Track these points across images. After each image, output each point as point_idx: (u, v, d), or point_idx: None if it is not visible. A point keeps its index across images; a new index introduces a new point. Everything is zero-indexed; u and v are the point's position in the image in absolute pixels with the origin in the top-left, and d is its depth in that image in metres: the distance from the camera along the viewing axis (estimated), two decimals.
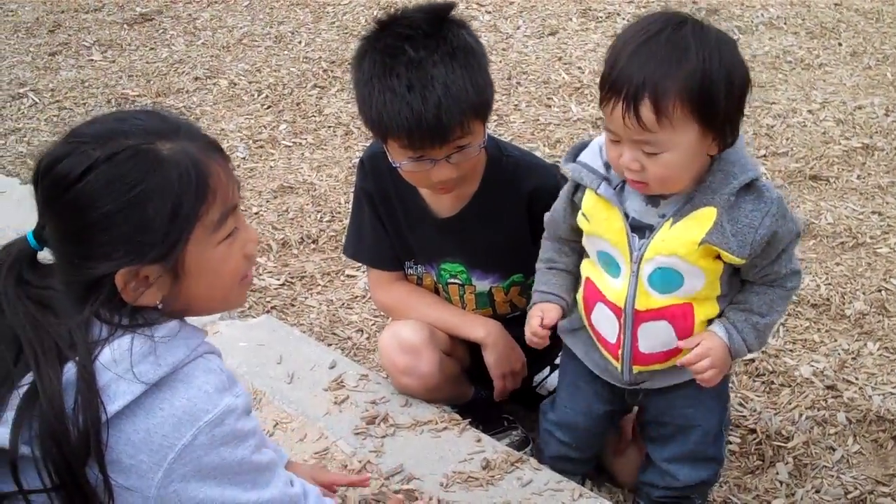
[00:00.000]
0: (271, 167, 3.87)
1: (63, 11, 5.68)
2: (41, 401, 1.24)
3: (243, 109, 4.40)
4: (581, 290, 1.93)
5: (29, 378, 1.26)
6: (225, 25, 5.40)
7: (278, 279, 3.12)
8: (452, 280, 2.24)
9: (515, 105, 4.30)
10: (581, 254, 1.95)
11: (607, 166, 1.78)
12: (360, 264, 2.82)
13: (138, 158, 1.29)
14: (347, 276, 3.14)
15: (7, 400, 1.26)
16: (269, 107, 4.42)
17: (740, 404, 2.48)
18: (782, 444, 2.35)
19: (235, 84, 4.65)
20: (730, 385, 2.31)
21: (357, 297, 3.03)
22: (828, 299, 2.90)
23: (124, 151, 1.28)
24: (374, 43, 1.94)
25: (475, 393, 2.35)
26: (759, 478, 2.28)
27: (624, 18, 5.13)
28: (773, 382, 2.57)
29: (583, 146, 1.84)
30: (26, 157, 4.00)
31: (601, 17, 5.21)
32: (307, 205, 3.55)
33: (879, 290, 2.94)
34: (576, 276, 1.96)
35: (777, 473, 2.28)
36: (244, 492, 1.34)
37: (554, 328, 1.96)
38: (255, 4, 5.68)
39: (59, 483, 1.24)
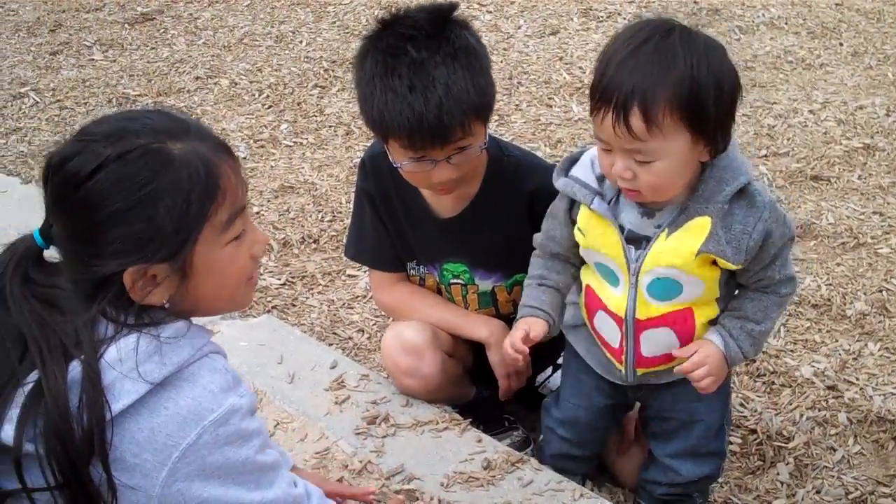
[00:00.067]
0: (272, 167, 3.88)
1: (64, 11, 5.68)
2: (46, 399, 1.24)
3: (244, 109, 4.41)
4: (582, 296, 1.93)
5: (34, 376, 1.26)
6: (226, 25, 5.40)
7: (279, 279, 3.12)
8: (455, 280, 2.24)
9: (516, 105, 4.30)
10: (572, 272, 1.95)
11: (600, 179, 1.77)
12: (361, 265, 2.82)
13: (149, 157, 1.29)
14: (348, 275, 3.14)
15: (12, 398, 1.26)
16: (270, 106, 4.42)
17: (741, 404, 2.48)
18: (783, 445, 2.35)
19: (236, 84, 4.66)
20: (731, 385, 2.32)
21: (358, 296, 3.03)
22: (829, 300, 2.90)
23: (135, 150, 1.29)
24: (375, 43, 1.94)
25: (476, 393, 2.35)
26: (760, 478, 2.28)
27: (625, 18, 5.13)
28: (773, 383, 2.57)
29: (574, 160, 1.84)
30: (27, 157, 4.01)
31: (602, 17, 5.21)
32: (308, 204, 3.55)
33: (880, 291, 2.94)
34: (565, 295, 1.96)
35: (778, 474, 2.28)
36: (248, 492, 1.34)
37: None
38: (256, 4, 5.68)
39: (63, 481, 1.25)
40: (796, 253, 3.13)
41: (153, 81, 4.70)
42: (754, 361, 2.63)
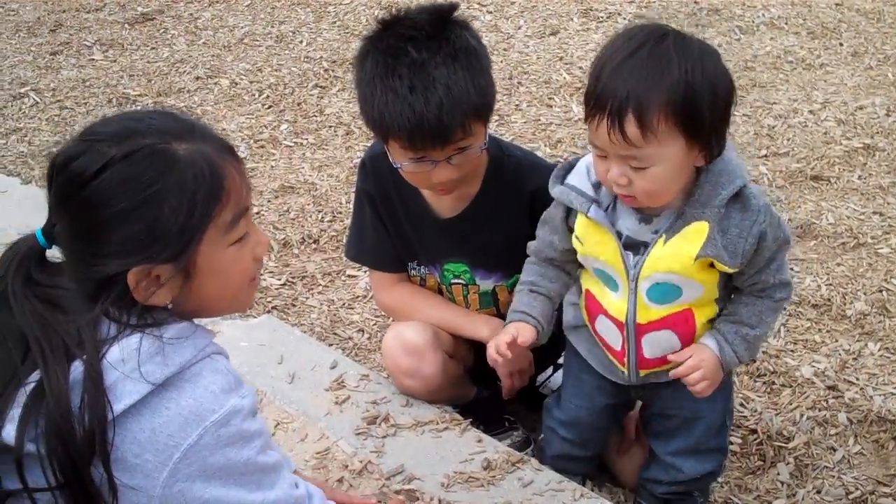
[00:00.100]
0: (272, 167, 3.88)
1: (64, 11, 5.68)
2: (48, 399, 1.24)
3: (244, 109, 4.41)
4: (582, 299, 1.93)
5: (36, 376, 1.26)
6: (226, 25, 5.40)
7: (279, 279, 3.12)
8: (456, 280, 2.24)
9: (517, 105, 4.30)
10: (564, 280, 1.95)
11: (596, 187, 1.77)
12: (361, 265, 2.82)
13: (154, 157, 1.29)
14: (348, 276, 3.14)
15: (14, 397, 1.26)
16: (270, 106, 4.42)
17: (741, 405, 2.48)
18: (783, 445, 2.35)
19: (236, 84, 4.66)
20: (733, 381, 2.31)
21: (358, 297, 3.03)
22: (829, 300, 2.90)
23: (141, 150, 1.29)
24: (376, 43, 1.94)
25: (477, 393, 2.35)
26: (760, 478, 2.28)
27: (625, 18, 5.13)
28: (774, 383, 2.57)
29: (569, 167, 1.84)
30: (27, 157, 4.01)
31: (602, 17, 5.21)
32: (308, 205, 3.55)
33: (880, 291, 2.95)
34: (555, 304, 1.95)
35: (778, 474, 2.28)
36: (249, 493, 1.34)
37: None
38: (256, 4, 5.69)
39: (64, 482, 1.25)
40: (796, 253, 3.13)
41: (153, 81, 4.70)
42: (754, 362, 2.63)
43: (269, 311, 2.92)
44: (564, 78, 4.52)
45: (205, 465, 1.29)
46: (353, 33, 5.10)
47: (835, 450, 2.35)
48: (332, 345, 2.75)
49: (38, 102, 4.53)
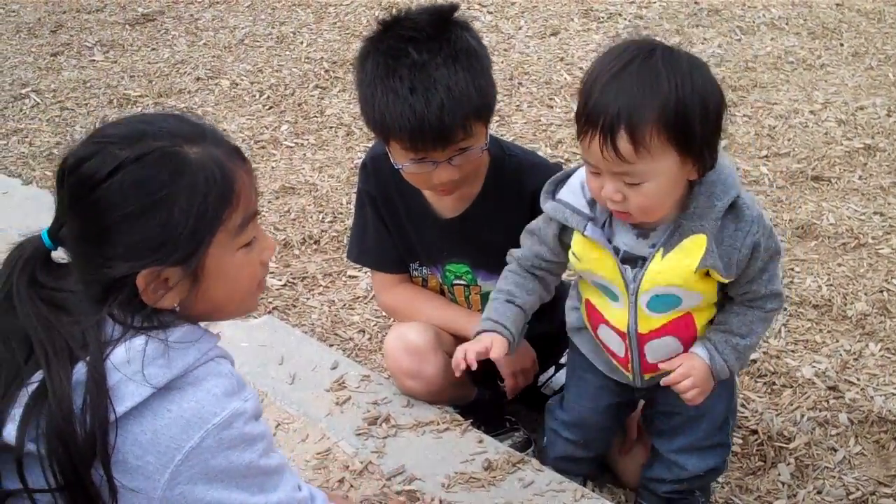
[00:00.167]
0: (273, 168, 3.88)
1: (65, 12, 5.69)
2: (50, 400, 1.23)
3: (245, 110, 4.41)
4: (583, 307, 1.94)
5: (38, 376, 1.26)
6: (227, 26, 5.41)
7: (280, 280, 3.13)
8: (458, 281, 2.24)
9: (517, 105, 4.30)
10: (540, 293, 1.95)
11: (591, 204, 1.77)
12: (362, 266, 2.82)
13: (166, 160, 1.29)
14: (349, 276, 3.14)
15: (16, 397, 1.26)
16: (270, 107, 4.42)
17: (742, 405, 2.48)
18: (784, 445, 2.35)
19: (237, 84, 4.66)
20: (736, 378, 2.31)
21: (359, 297, 3.03)
22: (829, 300, 2.90)
23: (152, 153, 1.28)
24: (376, 44, 1.94)
25: (478, 394, 2.35)
26: (761, 479, 2.28)
27: (625, 19, 5.14)
28: (774, 383, 2.57)
29: (559, 181, 1.83)
30: (28, 158, 4.01)
31: (603, 18, 5.22)
32: (309, 205, 3.56)
33: (881, 291, 2.95)
34: (528, 316, 1.95)
35: (779, 474, 2.28)
36: (251, 496, 1.34)
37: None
38: (256, 5, 5.69)
39: (64, 483, 1.24)
40: (797, 253, 3.14)
41: (154, 82, 4.71)
42: (755, 362, 2.63)
43: (269, 312, 2.92)
44: (565, 78, 4.52)
45: (206, 468, 1.29)
46: (354, 34, 5.11)
47: (835, 450, 2.35)
48: (332, 345, 2.75)
49: (38, 103, 4.54)
